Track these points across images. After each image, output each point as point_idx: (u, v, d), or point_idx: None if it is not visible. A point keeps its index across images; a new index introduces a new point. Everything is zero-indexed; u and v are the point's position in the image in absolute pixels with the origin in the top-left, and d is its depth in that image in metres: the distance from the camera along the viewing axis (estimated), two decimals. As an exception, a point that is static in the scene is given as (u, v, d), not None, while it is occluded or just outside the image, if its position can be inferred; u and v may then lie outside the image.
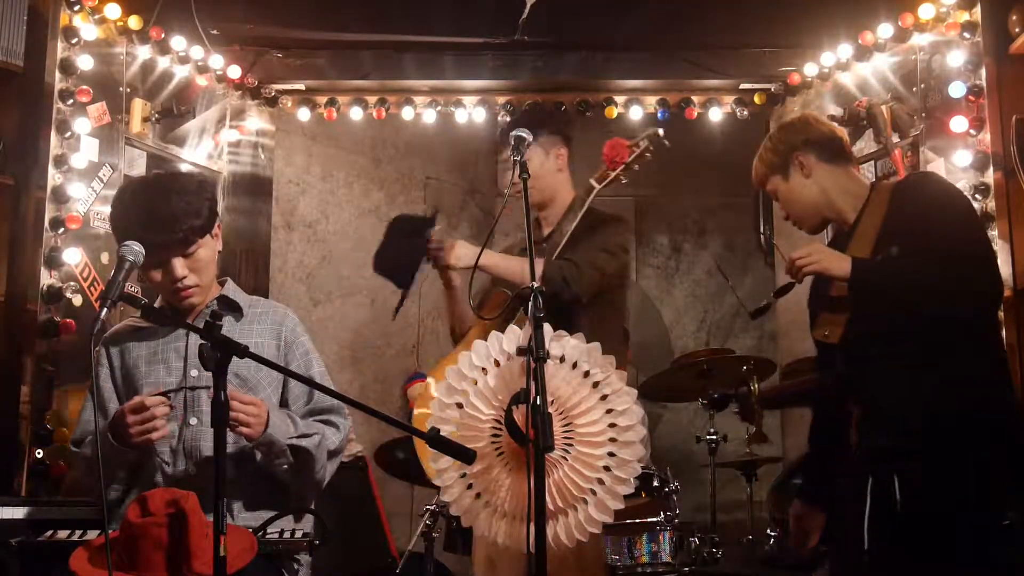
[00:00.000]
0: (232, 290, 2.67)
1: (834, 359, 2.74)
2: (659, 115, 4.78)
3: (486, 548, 2.78)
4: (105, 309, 2.14)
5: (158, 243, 2.44)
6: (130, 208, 2.52)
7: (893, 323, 2.55)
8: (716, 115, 4.78)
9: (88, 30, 3.93)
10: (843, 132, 2.89)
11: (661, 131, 3.34)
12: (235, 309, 2.62)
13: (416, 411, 3.12)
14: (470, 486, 2.30)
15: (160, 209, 2.47)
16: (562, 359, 2.30)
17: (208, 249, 2.57)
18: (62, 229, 3.75)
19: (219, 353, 2.00)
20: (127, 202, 2.55)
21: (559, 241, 3.17)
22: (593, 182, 3.27)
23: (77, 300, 3.75)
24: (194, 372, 2.50)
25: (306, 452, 2.47)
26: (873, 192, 2.74)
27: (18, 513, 3.14)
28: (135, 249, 2.25)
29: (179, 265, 2.50)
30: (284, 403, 2.61)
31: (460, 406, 2.30)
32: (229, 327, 2.56)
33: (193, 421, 2.48)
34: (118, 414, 2.36)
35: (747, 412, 4.10)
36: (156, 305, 2.60)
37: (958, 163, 3.80)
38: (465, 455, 2.11)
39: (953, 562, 2.45)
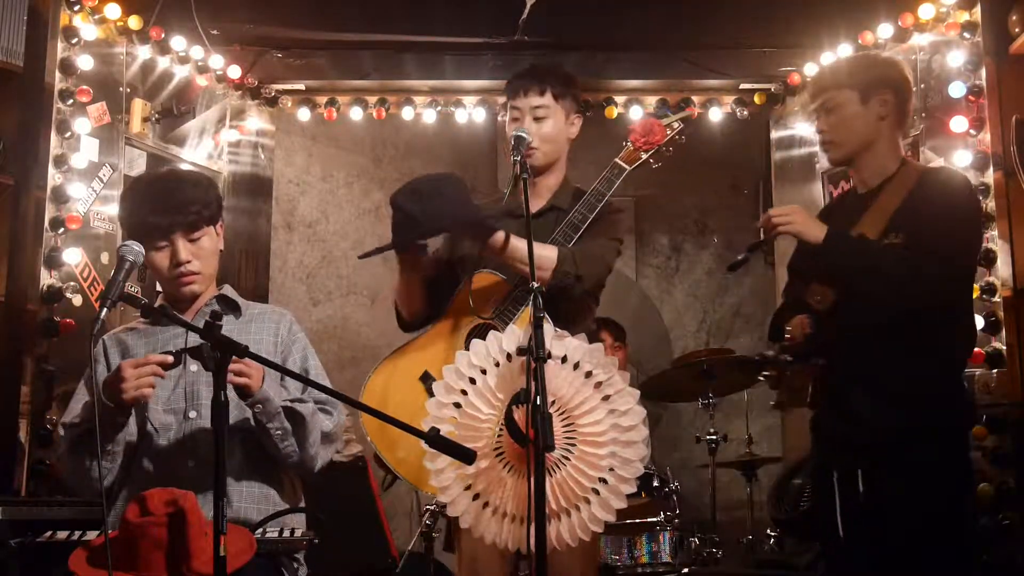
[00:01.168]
0: (230, 291, 2.70)
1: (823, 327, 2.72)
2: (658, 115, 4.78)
3: (470, 543, 2.76)
4: (105, 309, 2.15)
5: (166, 225, 2.50)
6: (143, 195, 2.57)
7: (861, 316, 2.57)
8: (716, 115, 4.78)
9: (88, 30, 3.94)
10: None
11: (691, 113, 3.19)
12: (234, 308, 2.63)
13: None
14: (468, 487, 2.29)
15: (172, 194, 2.53)
16: (564, 359, 2.30)
17: (212, 240, 2.60)
18: (62, 229, 3.75)
19: (219, 353, 2.00)
20: (140, 190, 2.61)
21: (567, 223, 2.89)
22: (622, 163, 2.99)
23: (77, 300, 3.75)
24: (193, 367, 2.51)
25: (301, 417, 2.46)
26: (902, 168, 2.73)
27: (17, 513, 3.14)
28: (135, 249, 2.27)
29: (183, 248, 2.52)
30: None
31: (458, 406, 2.29)
32: (228, 326, 2.57)
33: (192, 414, 2.48)
34: (116, 369, 2.34)
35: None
36: (156, 304, 2.59)
37: (958, 163, 3.80)
38: (465, 455, 2.10)
39: (916, 559, 2.48)
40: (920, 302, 2.54)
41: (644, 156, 3.02)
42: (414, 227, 2.73)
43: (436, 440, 2.08)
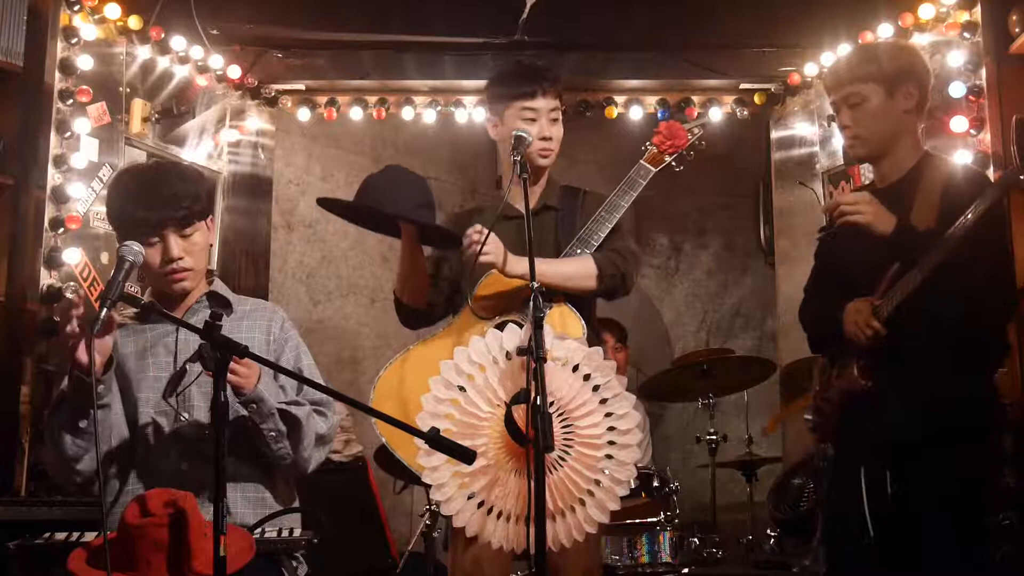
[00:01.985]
0: (221, 287, 2.65)
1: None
2: (659, 115, 4.78)
3: (466, 542, 2.75)
4: (105, 309, 2.13)
5: (156, 220, 2.42)
6: (129, 188, 2.49)
7: (908, 317, 2.52)
8: (716, 115, 4.78)
9: (88, 30, 3.94)
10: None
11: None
12: (225, 305, 2.59)
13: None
14: (463, 485, 2.29)
15: (161, 189, 2.45)
16: (563, 362, 2.30)
17: (203, 235, 2.53)
18: (62, 229, 3.75)
19: (219, 353, 1.99)
20: (126, 183, 2.53)
21: (594, 220, 2.90)
22: (648, 165, 3.02)
23: (77, 300, 3.75)
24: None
25: (296, 420, 2.43)
26: (927, 161, 2.67)
27: (17, 514, 3.14)
28: (135, 249, 2.25)
29: (175, 244, 2.46)
30: None
31: (457, 402, 2.29)
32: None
33: (184, 416, 2.46)
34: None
35: None
36: (145, 301, 2.55)
37: (958, 163, 3.80)
38: (465, 455, 2.09)
39: (940, 560, 2.46)
40: (976, 304, 2.48)
41: (668, 159, 3.06)
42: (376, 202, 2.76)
43: (436, 440, 2.07)
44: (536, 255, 2.68)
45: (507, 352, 2.31)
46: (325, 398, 2.57)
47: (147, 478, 2.41)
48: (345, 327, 5.71)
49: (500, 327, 2.45)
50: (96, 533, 2.28)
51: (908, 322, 2.51)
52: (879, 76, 2.64)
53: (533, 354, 2.15)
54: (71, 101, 3.82)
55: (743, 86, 4.77)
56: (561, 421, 2.27)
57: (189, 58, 4.40)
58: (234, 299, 2.63)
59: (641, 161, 3.03)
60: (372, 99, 4.85)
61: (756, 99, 4.80)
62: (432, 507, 4.07)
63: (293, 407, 2.45)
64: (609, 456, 2.28)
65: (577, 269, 2.80)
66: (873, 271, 2.60)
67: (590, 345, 2.44)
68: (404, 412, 2.70)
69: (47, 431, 2.44)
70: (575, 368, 2.30)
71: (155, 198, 2.44)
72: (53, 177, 3.77)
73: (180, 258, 2.46)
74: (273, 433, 2.41)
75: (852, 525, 2.57)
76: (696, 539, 4.16)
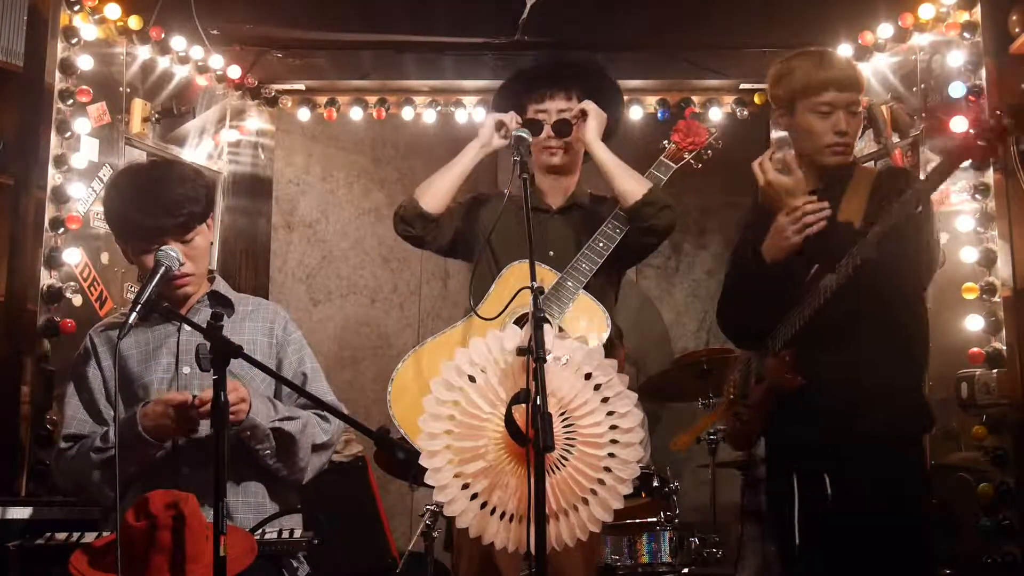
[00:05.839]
0: (222, 287, 2.64)
1: None
2: (659, 115, 4.78)
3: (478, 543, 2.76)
4: (135, 314, 2.13)
5: (157, 228, 2.40)
6: (127, 193, 2.45)
7: (828, 316, 2.52)
8: (716, 115, 4.78)
9: (88, 30, 3.94)
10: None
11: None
12: (226, 305, 2.58)
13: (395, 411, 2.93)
14: (466, 486, 2.29)
15: (161, 194, 2.42)
16: (564, 361, 2.30)
17: (204, 238, 2.51)
18: (62, 229, 3.75)
19: (213, 355, 1.99)
20: (124, 187, 2.49)
21: (614, 216, 3.00)
22: (669, 161, 3.12)
23: (77, 300, 3.75)
24: (186, 369, 2.47)
25: (288, 436, 2.42)
26: (855, 170, 2.72)
27: (17, 514, 3.14)
28: (172, 255, 2.26)
29: (178, 251, 2.43)
30: (277, 397, 2.57)
31: (458, 403, 2.29)
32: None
33: None
34: (160, 407, 2.31)
35: None
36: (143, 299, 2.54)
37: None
38: (408, 453, 2.07)
39: (879, 563, 2.46)
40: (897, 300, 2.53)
41: (687, 156, 3.16)
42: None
43: (382, 439, 2.06)
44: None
45: (507, 353, 2.31)
46: (329, 401, 2.56)
47: (149, 481, 2.41)
48: (345, 327, 5.71)
49: (519, 323, 2.47)
50: (96, 534, 2.28)
51: (840, 319, 2.51)
52: (860, 87, 2.72)
53: (533, 354, 2.15)
54: (71, 101, 3.82)
55: (743, 86, 4.77)
56: (563, 420, 2.26)
57: (189, 58, 4.40)
58: (236, 298, 2.62)
59: (662, 157, 3.12)
60: (372, 99, 4.85)
61: (756, 99, 4.79)
62: (432, 507, 4.06)
63: (287, 423, 2.42)
64: (612, 455, 2.28)
65: (633, 173, 2.96)
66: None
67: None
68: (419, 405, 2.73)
69: (72, 469, 2.44)
70: (576, 367, 2.30)
71: (153, 204, 2.40)
72: (53, 177, 3.77)
73: (182, 264, 2.44)
74: (267, 451, 2.41)
75: (784, 530, 2.57)
76: (696, 539, 4.16)
